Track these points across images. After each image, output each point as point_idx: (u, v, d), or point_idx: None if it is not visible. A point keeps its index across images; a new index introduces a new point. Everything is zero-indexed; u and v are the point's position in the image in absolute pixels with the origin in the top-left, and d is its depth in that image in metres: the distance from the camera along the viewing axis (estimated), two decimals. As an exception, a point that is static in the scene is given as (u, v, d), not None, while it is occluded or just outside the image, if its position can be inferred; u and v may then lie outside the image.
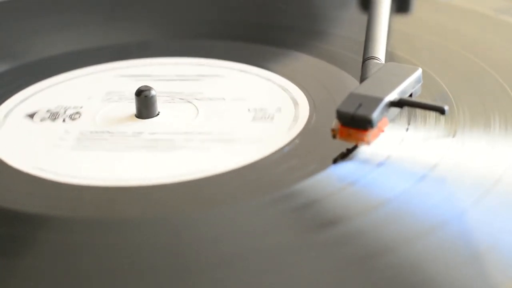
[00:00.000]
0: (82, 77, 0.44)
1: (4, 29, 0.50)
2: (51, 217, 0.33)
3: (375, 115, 0.34)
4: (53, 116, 0.40)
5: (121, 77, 0.44)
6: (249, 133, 0.38)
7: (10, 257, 0.31)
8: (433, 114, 0.38)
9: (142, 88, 0.40)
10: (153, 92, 0.40)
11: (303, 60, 0.45)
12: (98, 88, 0.43)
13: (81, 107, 0.41)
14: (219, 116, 0.40)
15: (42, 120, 0.40)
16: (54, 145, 0.38)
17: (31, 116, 0.40)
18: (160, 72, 0.44)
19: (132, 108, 0.40)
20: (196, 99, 0.41)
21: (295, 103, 0.40)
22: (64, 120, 0.40)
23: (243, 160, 0.36)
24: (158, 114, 0.40)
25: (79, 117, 0.40)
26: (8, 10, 0.52)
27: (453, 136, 0.37)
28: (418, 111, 0.38)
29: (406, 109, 0.38)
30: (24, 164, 0.36)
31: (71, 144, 0.38)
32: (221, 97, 0.42)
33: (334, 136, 0.35)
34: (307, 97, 0.41)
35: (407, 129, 0.37)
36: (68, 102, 0.41)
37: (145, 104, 0.40)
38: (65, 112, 0.40)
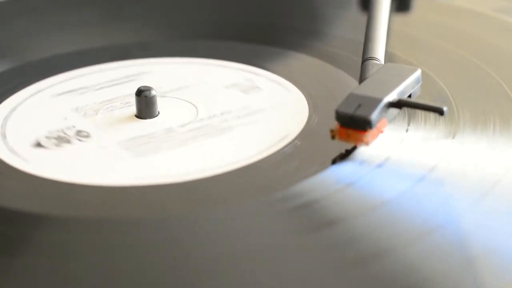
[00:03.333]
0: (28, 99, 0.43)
1: (4, 29, 0.50)
2: (51, 217, 0.33)
3: (374, 115, 0.34)
4: (61, 140, 0.39)
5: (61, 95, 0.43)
6: (250, 134, 0.38)
7: (10, 257, 0.31)
8: (432, 115, 0.38)
9: (142, 88, 0.40)
10: (153, 92, 0.40)
11: (303, 60, 0.45)
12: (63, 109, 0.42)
13: (74, 126, 0.40)
14: (219, 115, 0.40)
15: (56, 145, 0.39)
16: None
17: (39, 145, 0.39)
18: (108, 77, 0.44)
19: (131, 109, 0.40)
20: (195, 99, 0.41)
21: (295, 104, 0.40)
22: (79, 140, 0.39)
23: (243, 161, 0.36)
24: (158, 114, 0.40)
25: (87, 134, 0.39)
26: (8, 10, 0.52)
27: (453, 137, 0.37)
28: (418, 112, 0.38)
29: (405, 110, 0.38)
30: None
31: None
32: (221, 96, 0.42)
33: (333, 137, 0.35)
34: (306, 97, 0.41)
35: (406, 130, 0.37)
36: (55, 126, 0.40)
37: (145, 104, 0.40)
38: (67, 134, 0.39)
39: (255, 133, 0.38)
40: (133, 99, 0.40)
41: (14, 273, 0.30)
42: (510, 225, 0.31)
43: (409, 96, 0.37)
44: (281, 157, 0.36)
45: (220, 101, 0.41)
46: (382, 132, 0.35)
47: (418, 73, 0.38)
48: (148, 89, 0.40)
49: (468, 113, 0.38)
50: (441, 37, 0.46)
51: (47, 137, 0.39)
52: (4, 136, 0.39)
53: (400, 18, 0.49)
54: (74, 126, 0.40)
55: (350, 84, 0.41)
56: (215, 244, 0.31)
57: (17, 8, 0.52)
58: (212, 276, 0.30)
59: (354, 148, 0.36)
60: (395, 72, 0.37)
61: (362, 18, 0.46)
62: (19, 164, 0.37)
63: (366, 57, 0.40)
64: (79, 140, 0.38)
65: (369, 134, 0.35)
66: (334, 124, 0.35)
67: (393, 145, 0.36)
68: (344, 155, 0.36)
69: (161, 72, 0.45)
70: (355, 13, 0.51)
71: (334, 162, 0.35)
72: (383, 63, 0.40)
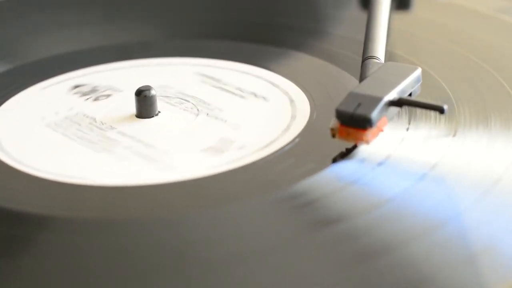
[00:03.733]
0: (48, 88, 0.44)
1: (4, 29, 0.50)
2: (51, 217, 0.33)
3: (374, 114, 0.34)
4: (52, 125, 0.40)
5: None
6: (251, 132, 0.38)
7: (10, 257, 0.31)
8: (433, 113, 0.38)
9: (142, 88, 0.40)
10: (152, 92, 0.40)
11: (303, 59, 0.45)
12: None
13: (76, 114, 0.41)
14: (218, 115, 0.40)
15: (46, 127, 0.40)
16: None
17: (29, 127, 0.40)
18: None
19: (131, 108, 0.40)
20: (195, 99, 0.41)
21: (295, 103, 0.40)
22: (69, 129, 0.40)
23: (243, 159, 0.36)
24: (158, 114, 0.40)
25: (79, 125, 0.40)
26: (8, 10, 0.52)
27: (453, 136, 0.37)
28: (419, 110, 0.38)
29: (406, 108, 0.38)
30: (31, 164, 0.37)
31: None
32: (221, 97, 0.42)
33: (333, 136, 0.35)
34: (307, 96, 0.41)
35: (407, 129, 0.37)
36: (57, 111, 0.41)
37: (145, 104, 0.40)
38: (63, 121, 0.40)
39: (255, 132, 0.38)
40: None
41: (16, 274, 0.30)
42: (511, 222, 0.31)
43: (410, 95, 0.37)
44: (281, 156, 0.36)
45: (219, 101, 0.41)
46: (382, 130, 0.35)
47: (418, 72, 0.38)
48: (148, 89, 0.40)
49: (469, 111, 0.38)
50: (441, 36, 0.46)
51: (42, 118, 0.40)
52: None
53: (400, 17, 0.49)
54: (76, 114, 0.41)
55: (350, 83, 0.41)
56: (215, 243, 0.31)
57: (17, 8, 0.53)
58: (212, 276, 0.30)
59: (354, 146, 0.36)
60: (395, 71, 0.37)
61: (362, 17, 0.46)
62: (15, 162, 0.37)
63: (366, 56, 0.40)
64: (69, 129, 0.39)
65: (369, 132, 0.35)
66: (334, 123, 0.35)
67: (394, 144, 0.36)
68: (345, 154, 0.36)
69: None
70: (355, 12, 0.51)
71: (334, 160, 0.35)
72: (383, 62, 0.40)
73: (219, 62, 0.45)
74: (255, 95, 0.42)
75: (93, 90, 0.43)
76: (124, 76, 0.45)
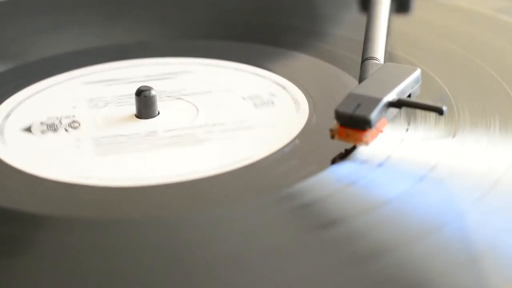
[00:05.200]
0: (54, 86, 0.44)
1: (4, 29, 0.50)
2: (51, 217, 0.33)
3: (373, 115, 0.34)
4: (51, 127, 0.40)
5: (90, 83, 0.44)
6: (249, 134, 0.38)
7: (10, 257, 0.31)
8: (433, 114, 0.38)
9: (142, 88, 0.40)
10: (153, 92, 0.40)
11: (303, 60, 0.45)
12: (77, 97, 0.42)
13: (73, 116, 0.40)
14: (218, 116, 0.40)
15: (42, 132, 0.39)
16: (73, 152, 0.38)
17: (28, 129, 0.39)
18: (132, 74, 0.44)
19: (131, 108, 0.40)
20: (196, 98, 0.41)
21: (295, 103, 0.40)
22: (66, 130, 0.39)
23: (242, 160, 0.36)
24: (158, 114, 0.40)
25: (78, 125, 0.40)
26: (8, 10, 0.52)
27: (453, 137, 0.37)
28: (418, 111, 0.38)
29: (406, 109, 0.38)
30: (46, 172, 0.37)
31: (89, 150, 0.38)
32: (221, 97, 0.42)
33: (332, 137, 0.35)
34: (307, 97, 0.41)
35: (407, 130, 0.37)
36: (57, 113, 0.41)
37: (145, 104, 0.40)
38: (61, 122, 0.40)
39: (254, 132, 0.38)
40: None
41: (16, 274, 0.30)
42: (511, 223, 0.31)
43: (409, 95, 0.37)
44: (281, 157, 0.36)
45: (218, 102, 0.41)
46: (381, 131, 0.35)
47: (417, 72, 0.38)
48: (148, 89, 0.40)
49: (468, 112, 0.38)
50: (441, 37, 0.46)
51: (41, 123, 0.40)
52: (2, 135, 0.39)
53: (400, 17, 0.49)
54: (73, 116, 0.40)
55: (350, 83, 0.41)
56: (214, 244, 0.31)
57: (17, 8, 0.53)
58: (212, 276, 0.30)
59: (354, 147, 0.36)
60: (394, 71, 0.38)
61: (362, 17, 0.46)
62: (16, 162, 0.37)
63: (365, 57, 0.40)
64: (65, 130, 0.39)
65: (369, 133, 0.35)
66: (334, 124, 0.35)
67: (393, 145, 0.36)
68: (344, 155, 0.36)
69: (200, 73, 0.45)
70: (355, 13, 0.51)
71: (334, 162, 0.35)
72: (382, 62, 0.40)
73: (219, 62, 0.45)
74: (255, 96, 0.42)
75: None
76: (160, 73, 0.45)
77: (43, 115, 0.41)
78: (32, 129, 0.39)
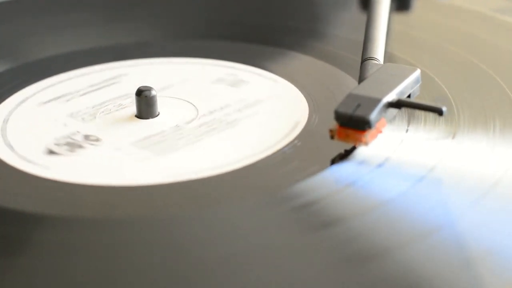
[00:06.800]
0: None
1: (4, 29, 0.50)
2: (51, 217, 0.33)
3: (373, 116, 0.34)
4: (72, 145, 0.38)
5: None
6: (249, 135, 0.38)
7: (10, 257, 0.31)
8: (432, 115, 0.37)
9: (142, 88, 0.40)
10: (153, 92, 0.40)
11: (303, 60, 0.45)
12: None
13: (78, 132, 0.39)
14: (217, 116, 0.40)
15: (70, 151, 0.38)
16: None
17: (52, 152, 0.38)
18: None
19: (131, 109, 0.40)
20: (196, 99, 0.41)
21: (295, 103, 0.40)
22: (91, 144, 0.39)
23: (242, 161, 0.36)
24: (158, 114, 0.40)
25: (97, 139, 0.39)
26: (8, 10, 0.52)
27: (453, 138, 0.37)
28: (418, 112, 0.38)
29: (406, 110, 0.38)
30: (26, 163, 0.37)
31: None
32: (220, 97, 0.42)
33: (332, 137, 0.35)
34: (306, 97, 0.41)
35: (406, 130, 0.37)
36: (59, 133, 0.40)
37: (145, 104, 0.40)
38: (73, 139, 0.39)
39: (254, 133, 0.38)
40: (125, 101, 0.41)
41: (16, 273, 0.30)
42: (509, 225, 0.31)
43: (409, 96, 0.37)
44: (281, 157, 0.36)
45: (218, 102, 0.41)
46: (381, 132, 0.35)
47: (417, 73, 0.38)
48: (148, 89, 0.40)
49: (468, 113, 0.38)
50: (441, 37, 0.46)
51: (57, 144, 0.38)
52: (9, 142, 0.39)
53: (400, 18, 0.49)
54: (78, 132, 0.39)
55: (350, 84, 0.41)
56: (214, 244, 0.31)
57: (17, 8, 0.53)
58: (212, 276, 0.30)
59: (353, 148, 0.36)
60: (394, 72, 0.37)
61: (361, 18, 0.46)
62: (33, 169, 0.36)
63: (365, 57, 0.40)
64: (91, 144, 0.38)
65: (368, 134, 0.35)
66: (333, 124, 0.35)
67: (393, 145, 0.36)
68: (344, 155, 0.36)
69: (141, 73, 0.45)
70: (354, 13, 0.51)
71: (333, 162, 0.35)
72: (382, 63, 0.40)
73: (218, 62, 0.45)
74: (255, 96, 0.42)
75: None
76: (103, 80, 0.44)
77: (50, 137, 0.39)
78: (56, 151, 0.38)
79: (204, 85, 0.43)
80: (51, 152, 0.38)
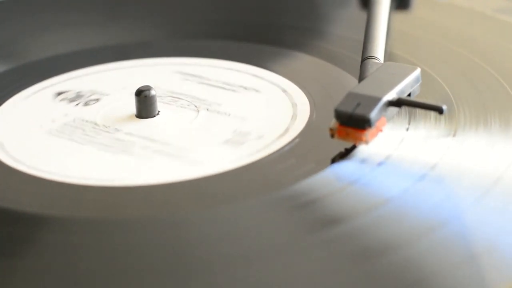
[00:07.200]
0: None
1: (4, 29, 0.50)
2: (51, 217, 0.33)
3: (373, 114, 0.34)
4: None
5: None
6: (249, 135, 0.38)
7: (10, 257, 0.31)
8: (433, 113, 0.38)
9: (142, 88, 0.40)
10: (152, 92, 0.40)
11: (303, 59, 0.45)
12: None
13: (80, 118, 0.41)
14: (217, 116, 0.40)
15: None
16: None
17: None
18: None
19: (131, 108, 0.40)
20: (196, 98, 0.41)
21: (295, 103, 0.40)
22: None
23: (243, 159, 0.36)
24: (158, 114, 0.40)
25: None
26: (8, 10, 0.52)
27: (453, 136, 0.37)
28: (418, 110, 0.38)
29: (406, 108, 0.38)
30: (25, 163, 0.37)
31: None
32: (220, 97, 0.42)
33: (332, 136, 0.35)
34: (307, 97, 0.41)
35: (407, 129, 0.37)
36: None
37: (144, 104, 0.40)
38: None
39: (254, 132, 0.38)
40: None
41: (16, 274, 0.30)
42: (511, 222, 0.31)
43: (409, 95, 0.37)
44: (281, 156, 0.36)
45: (217, 102, 0.41)
46: (381, 131, 0.35)
47: (417, 72, 0.38)
48: (148, 88, 0.40)
49: (468, 111, 0.38)
50: (441, 36, 0.46)
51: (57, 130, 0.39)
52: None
53: (400, 17, 0.49)
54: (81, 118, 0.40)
55: (350, 83, 0.41)
56: (214, 243, 0.31)
57: (17, 9, 0.53)
58: (212, 276, 0.30)
59: (354, 147, 0.36)
60: (394, 71, 0.37)
61: (362, 17, 0.46)
62: (33, 170, 0.36)
63: (365, 56, 0.40)
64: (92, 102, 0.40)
65: (368, 133, 0.35)
66: (333, 123, 0.35)
67: (393, 144, 0.36)
68: (344, 154, 0.36)
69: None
70: (355, 12, 0.51)
71: (334, 161, 0.35)
72: (382, 62, 0.40)
73: (218, 62, 0.45)
74: (255, 96, 0.42)
75: (78, 96, 0.43)
76: (108, 77, 0.44)
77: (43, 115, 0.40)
78: (35, 129, 0.39)
79: (204, 85, 0.43)
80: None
